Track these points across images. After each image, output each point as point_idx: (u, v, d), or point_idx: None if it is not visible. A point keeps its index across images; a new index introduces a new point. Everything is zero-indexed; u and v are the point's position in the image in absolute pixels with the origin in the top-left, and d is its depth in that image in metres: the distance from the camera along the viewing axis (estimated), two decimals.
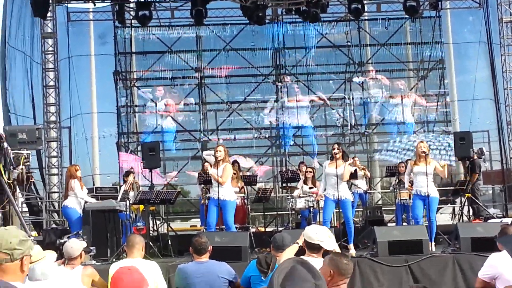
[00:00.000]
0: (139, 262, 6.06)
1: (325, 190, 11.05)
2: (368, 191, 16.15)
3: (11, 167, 9.49)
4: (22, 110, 17.47)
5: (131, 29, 20.29)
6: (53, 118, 18.27)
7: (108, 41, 20.31)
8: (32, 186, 14.72)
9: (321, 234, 5.22)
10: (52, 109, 18.36)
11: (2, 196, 9.47)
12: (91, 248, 9.03)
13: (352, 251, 10.50)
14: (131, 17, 19.70)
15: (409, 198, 13.04)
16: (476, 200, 14.02)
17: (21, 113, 17.36)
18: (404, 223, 13.38)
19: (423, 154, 10.72)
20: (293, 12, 18.53)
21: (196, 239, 6.85)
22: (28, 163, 9.90)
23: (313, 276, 2.00)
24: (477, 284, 6.67)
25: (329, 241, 5.23)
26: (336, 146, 11.03)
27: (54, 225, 15.75)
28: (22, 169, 9.65)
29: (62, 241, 8.54)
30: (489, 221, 12.17)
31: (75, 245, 6.99)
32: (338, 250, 5.31)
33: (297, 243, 5.48)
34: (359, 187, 15.12)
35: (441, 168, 10.73)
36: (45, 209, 16.64)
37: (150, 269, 6.41)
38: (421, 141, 11.34)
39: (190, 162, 19.46)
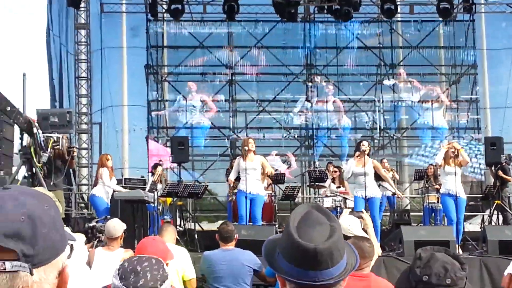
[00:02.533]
0: (169, 246, 6.07)
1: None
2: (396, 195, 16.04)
3: (41, 151, 9.59)
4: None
5: (163, 23, 20.27)
6: (84, 110, 18.46)
7: (139, 34, 20.29)
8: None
9: (354, 226, 5.28)
10: (84, 100, 18.59)
11: (34, 181, 9.57)
12: None
13: (379, 250, 10.45)
14: (164, 10, 19.66)
15: (438, 202, 12.94)
16: (506, 207, 13.85)
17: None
18: None
19: (453, 155, 10.66)
20: (325, 11, 18.54)
21: (223, 226, 6.94)
22: (58, 146, 9.96)
23: (328, 219, 2.01)
24: (503, 283, 6.60)
25: (361, 233, 5.29)
26: (365, 142, 11.01)
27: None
28: (51, 152, 9.75)
29: (91, 224, 8.61)
30: None
31: (117, 224, 6.82)
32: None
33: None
34: (388, 189, 15.01)
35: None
36: (74, 201, 16.74)
37: (180, 255, 6.43)
38: (450, 141, 11.27)
39: (218, 160, 19.34)
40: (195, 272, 6.73)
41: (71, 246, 1.54)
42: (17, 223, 1.39)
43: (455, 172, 10.59)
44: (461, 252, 10.31)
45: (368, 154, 10.94)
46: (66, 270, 1.49)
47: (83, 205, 17.34)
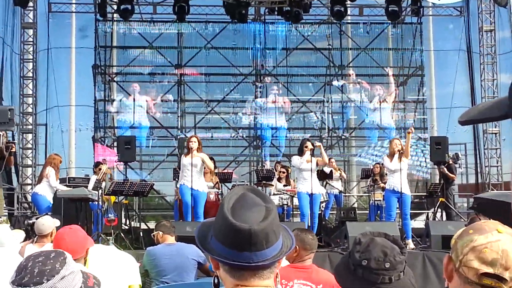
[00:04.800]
0: (113, 250, 5.92)
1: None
2: (343, 193, 16.15)
3: None
4: None
5: (113, 23, 19.98)
6: (29, 110, 18.13)
7: (88, 34, 20.02)
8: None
9: None
10: (29, 100, 18.25)
11: None
12: None
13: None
14: (113, 10, 19.44)
15: (383, 199, 13.05)
16: (450, 205, 14.03)
17: None
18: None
19: (399, 152, 10.74)
20: (276, 12, 18.60)
21: (163, 222, 6.94)
22: None
23: (263, 200, 1.97)
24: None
25: None
26: (308, 142, 11.20)
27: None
28: None
29: (31, 221, 8.38)
30: None
31: (46, 221, 6.71)
32: None
33: None
34: (335, 188, 15.11)
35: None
36: (17, 200, 16.43)
37: (127, 261, 6.25)
38: (396, 138, 11.38)
39: (166, 159, 19.18)
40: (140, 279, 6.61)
41: None
42: None
43: (400, 169, 10.68)
44: (412, 246, 10.40)
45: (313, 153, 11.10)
46: None
47: (26, 205, 17.00)
